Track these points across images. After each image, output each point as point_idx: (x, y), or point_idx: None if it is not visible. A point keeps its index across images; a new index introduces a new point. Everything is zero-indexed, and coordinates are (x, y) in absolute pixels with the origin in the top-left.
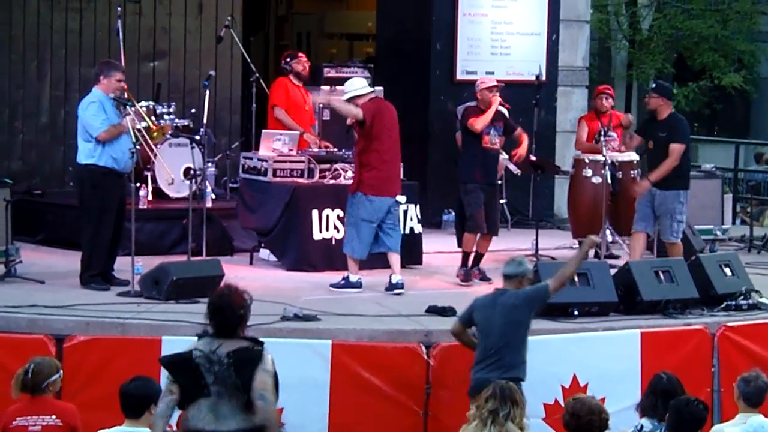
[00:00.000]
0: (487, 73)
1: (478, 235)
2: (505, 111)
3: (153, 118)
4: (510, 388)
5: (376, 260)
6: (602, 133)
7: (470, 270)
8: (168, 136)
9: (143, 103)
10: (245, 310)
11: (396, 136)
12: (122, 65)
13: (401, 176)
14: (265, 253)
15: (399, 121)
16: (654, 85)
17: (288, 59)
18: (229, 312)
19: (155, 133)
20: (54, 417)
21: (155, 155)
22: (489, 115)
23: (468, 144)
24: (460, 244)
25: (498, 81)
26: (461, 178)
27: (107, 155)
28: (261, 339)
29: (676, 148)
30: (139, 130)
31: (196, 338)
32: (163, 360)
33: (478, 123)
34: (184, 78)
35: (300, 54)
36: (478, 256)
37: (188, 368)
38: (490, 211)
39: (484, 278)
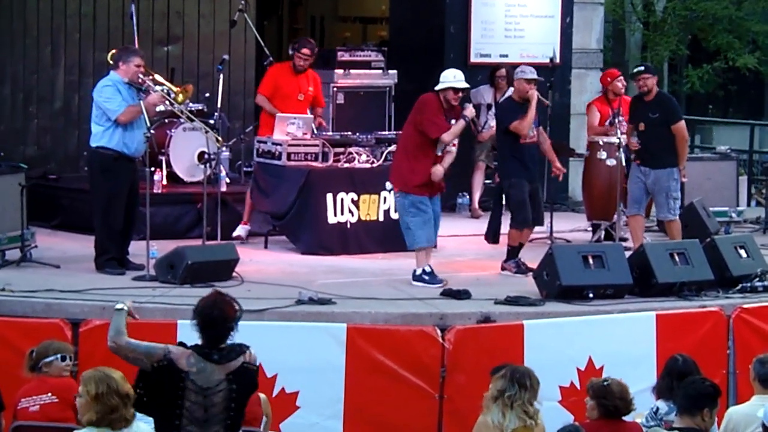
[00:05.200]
0: (501, 56)
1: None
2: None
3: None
4: (522, 372)
5: (392, 245)
6: (614, 116)
7: (518, 261)
8: (182, 121)
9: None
10: (236, 323)
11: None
12: (141, 50)
13: (393, 161)
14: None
15: (413, 105)
16: (643, 68)
17: (293, 48)
18: (221, 326)
19: (180, 96)
20: (49, 395)
21: (185, 116)
22: (532, 115)
23: (507, 141)
24: (492, 239)
25: (514, 64)
26: (504, 174)
27: (118, 139)
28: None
29: (681, 127)
30: (167, 99)
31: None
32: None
33: (524, 127)
34: (197, 62)
35: (304, 49)
36: (519, 247)
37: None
38: (535, 203)
39: (520, 271)
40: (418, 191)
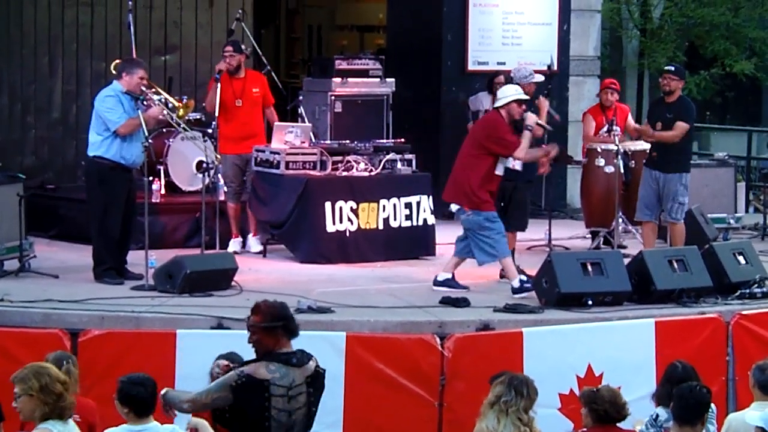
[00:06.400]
0: (499, 63)
1: None
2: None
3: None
4: (520, 379)
5: (392, 253)
6: (609, 126)
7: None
8: (180, 130)
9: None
10: None
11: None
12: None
13: (453, 181)
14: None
15: (411, 113)
16: (673, 68)
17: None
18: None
19: (181, 110)
20: (76, 416)
21: (184, 129)
22: (543, 117)
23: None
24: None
25: (508, 71)
26: (510, 175)
27: (116, 149)
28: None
29: (680, 125)
30: (168, 115)
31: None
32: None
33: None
34: (195, 72)
35: (226, 47)
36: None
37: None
38: (525, 207)
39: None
40: (490, 207)
